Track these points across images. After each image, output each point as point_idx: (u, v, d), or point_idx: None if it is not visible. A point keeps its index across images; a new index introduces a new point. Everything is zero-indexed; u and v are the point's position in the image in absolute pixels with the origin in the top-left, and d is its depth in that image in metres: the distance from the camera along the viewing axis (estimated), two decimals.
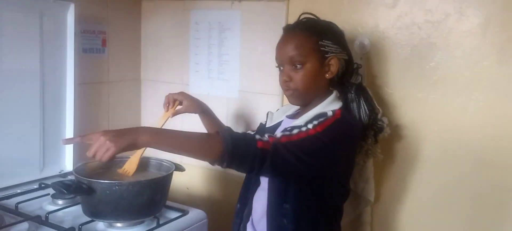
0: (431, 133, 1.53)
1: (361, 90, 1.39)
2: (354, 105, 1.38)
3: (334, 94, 1.34)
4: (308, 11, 1.38)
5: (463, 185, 1.51)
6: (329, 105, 1.31)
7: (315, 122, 1.24)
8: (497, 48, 1.41)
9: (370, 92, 1.41)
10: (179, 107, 1.54)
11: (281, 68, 1.35)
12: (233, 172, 1.91)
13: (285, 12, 1.73)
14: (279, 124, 1.44)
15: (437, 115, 1.51)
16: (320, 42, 1.30)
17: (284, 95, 1.43)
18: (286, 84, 1.33)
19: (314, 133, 1.21)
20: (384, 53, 1.57)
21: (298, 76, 1.30)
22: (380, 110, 1.42)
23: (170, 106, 1.52)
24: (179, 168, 1.51)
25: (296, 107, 1.44)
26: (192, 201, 1.98)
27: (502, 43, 1.40)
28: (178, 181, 1.88)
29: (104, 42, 2.01)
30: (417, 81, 1.53)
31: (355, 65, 1.40)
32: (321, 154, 1.21)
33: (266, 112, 1.59)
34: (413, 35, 1.52)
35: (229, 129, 1.64)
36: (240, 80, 1.90)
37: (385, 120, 1.42)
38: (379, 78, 1.58)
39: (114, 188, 1.34)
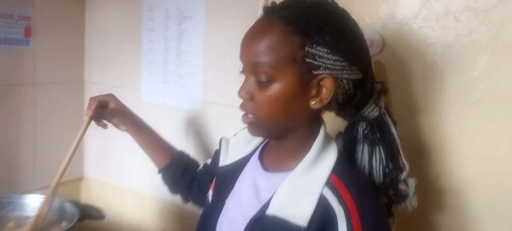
0: (472, 176, 1.05)
1: (381, 129, 0.87)
2: (363, 150, 0.87)
3: (322, 134, 0.84)
4: None
5: None
6: (319, 157, 0.82)
7: None
8: None
9: (397, 137, 0.89)
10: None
11: (245, 75, 0.85)
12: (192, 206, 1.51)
13: None
14: (239, 165, 0.95)
15: (481, 150, 1.04)
16: (307, 49, 0.78)
17: None
18: (243, 104, 0.84)
19: None
20: (403, 55, 1.09)
21: (262, 98, 0.80)
22: (407, 165, 0.91)
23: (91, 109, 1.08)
24: (96, 215, 1.03)
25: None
26: None
27: None
28: (126, 218, 1.61)
29: (28, 31, 1.55)
30: (451, 98, 1.06)
31: (380, 86, 0.89)
32: None
33: (221, 137, 1.09)
34: (447, 30, 1.04)
35: (181, 153, 1.19)
36: (203, 87, 1.46)
37: (411, 182, 0.91)
38: (395, 92, 1.10)
39: None
